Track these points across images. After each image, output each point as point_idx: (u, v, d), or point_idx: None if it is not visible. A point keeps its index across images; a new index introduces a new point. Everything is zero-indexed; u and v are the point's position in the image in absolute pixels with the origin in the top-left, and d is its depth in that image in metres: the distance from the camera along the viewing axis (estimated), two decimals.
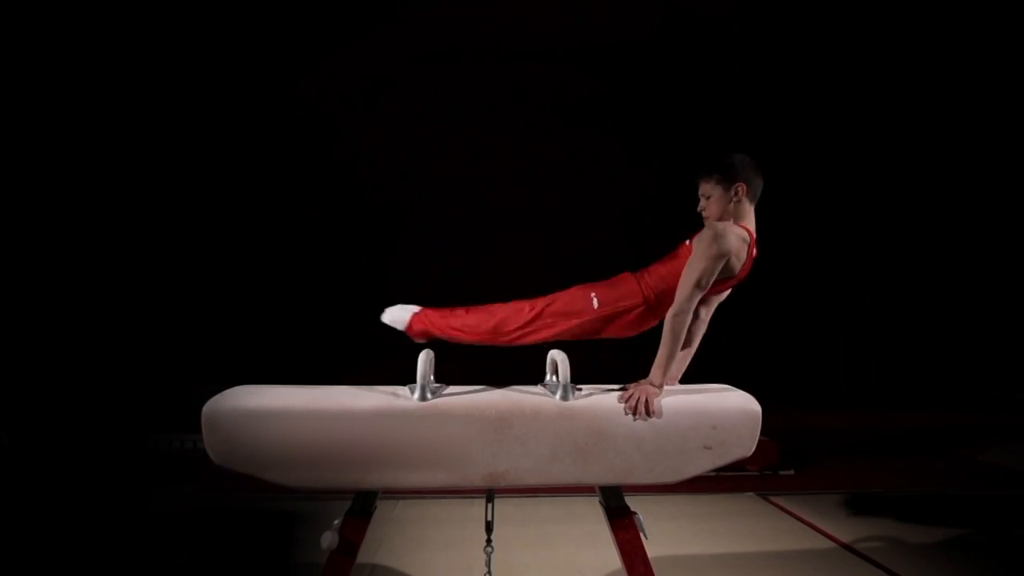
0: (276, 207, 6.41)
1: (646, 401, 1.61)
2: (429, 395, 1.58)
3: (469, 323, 1.83)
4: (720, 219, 1.82)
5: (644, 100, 6.73)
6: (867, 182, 7.11)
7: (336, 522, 1.64)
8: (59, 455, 4.18)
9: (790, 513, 3.43)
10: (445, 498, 3.51)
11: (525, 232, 6.82)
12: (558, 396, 1.62)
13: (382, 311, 1.89)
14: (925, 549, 2.90)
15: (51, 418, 4.51)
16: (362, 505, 1.65)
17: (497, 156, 6.71)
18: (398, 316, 1.87)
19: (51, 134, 5.26)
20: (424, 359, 1.61)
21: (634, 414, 1.60)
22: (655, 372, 1.68)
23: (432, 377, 1.67)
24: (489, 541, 1.79)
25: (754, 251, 1.82)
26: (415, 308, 1.88)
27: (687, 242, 1.84)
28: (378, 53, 6.30)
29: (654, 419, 1.59)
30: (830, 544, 2.95)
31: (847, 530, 3.12)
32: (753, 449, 1.65)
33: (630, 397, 1.63)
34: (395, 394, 1.61)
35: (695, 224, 1.87)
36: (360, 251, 6.63)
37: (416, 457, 1.53)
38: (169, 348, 5.69)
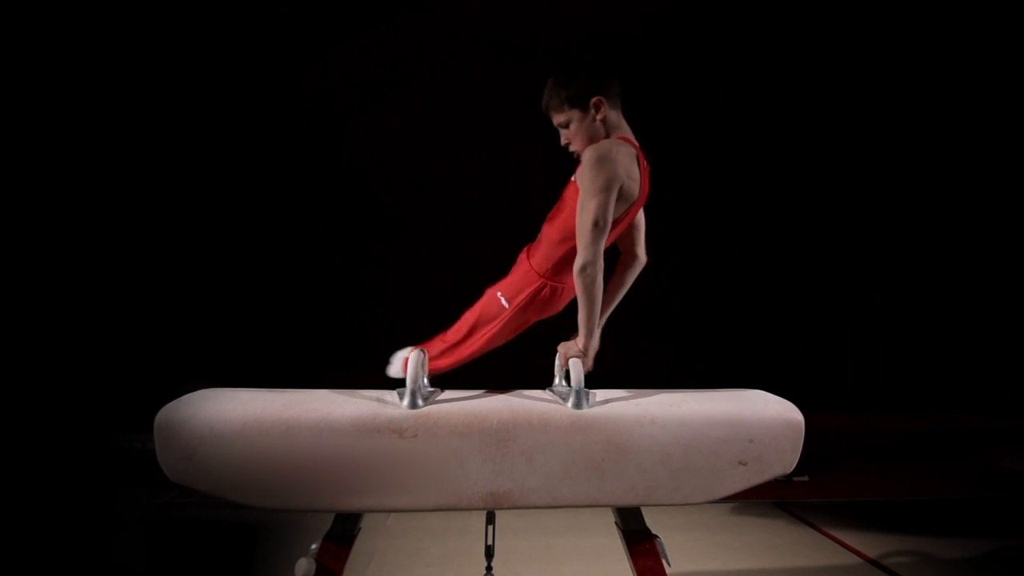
0: (261, 197, 6.15)
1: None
2: (420, 401, 1.34)
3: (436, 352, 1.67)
4: (592, 143, 1.55)
5: (648, 99, 6.51)
6: (877, 176, 6.91)
7: (313, 546, 1.41)
8: (23, 456, 3.95)
9: (810, 524, 3.22)
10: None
11: (527, 231, 6.58)
12: (570, 404, 1.38)
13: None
14: (959, 565, 2.69)
15: (15, 417, 4.26)
16: (343, 528, 1.41)
17: (497, 155, 6.48)
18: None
19: (29, 122, 5.03)
20: (415, 359, 1.37)
21: None
22: (581, 338, 1.51)
23: (425, 380, 1.45)
24: (490, 568, 1.56)
25: (644, 162, 1.58)
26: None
27: (573, 179, 1.58)
28: (378, 51, 6.08)
29: (682, 430, 1.37)
30: (856, 559, 2.74)
31: (872, 543, 2.91)
32: (794, 465, 1.44)
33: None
34: (381, 400, 1.38)
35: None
36: (356, 244, 6.39)
37: (404, 475, 1.29)
38: (144, 342, 5.41)
